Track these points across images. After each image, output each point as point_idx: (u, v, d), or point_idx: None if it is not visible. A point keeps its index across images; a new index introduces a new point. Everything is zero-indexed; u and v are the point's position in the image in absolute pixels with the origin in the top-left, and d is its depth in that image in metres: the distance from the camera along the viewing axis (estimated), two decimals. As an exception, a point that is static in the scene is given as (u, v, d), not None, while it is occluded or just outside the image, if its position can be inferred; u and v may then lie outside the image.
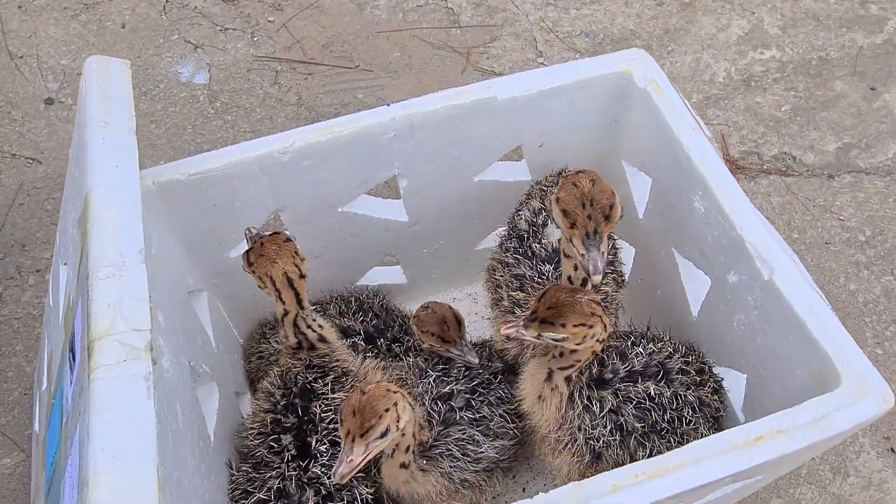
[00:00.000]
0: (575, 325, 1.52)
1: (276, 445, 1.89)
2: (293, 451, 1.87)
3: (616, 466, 1.87)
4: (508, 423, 2.07)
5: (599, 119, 2.25)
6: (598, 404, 1.83)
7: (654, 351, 1.95)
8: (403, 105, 2.04)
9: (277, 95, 3.76)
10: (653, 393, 1.84)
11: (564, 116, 2.20)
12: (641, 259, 2.48)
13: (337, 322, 2.42)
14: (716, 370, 2.12)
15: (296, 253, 1.81)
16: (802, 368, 1.68)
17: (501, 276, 2.10)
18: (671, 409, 1.87)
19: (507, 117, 2.15)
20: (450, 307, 2.20)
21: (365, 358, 2.20)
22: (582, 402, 1.81)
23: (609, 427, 1.84)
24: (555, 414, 1.84)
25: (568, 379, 1.80)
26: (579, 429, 1.84)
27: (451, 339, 2.13)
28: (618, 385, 1.85)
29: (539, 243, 2.06)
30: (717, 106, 3.61)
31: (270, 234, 1.84)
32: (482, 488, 2.06)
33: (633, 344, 1.97)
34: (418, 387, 2.09)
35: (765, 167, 3.38)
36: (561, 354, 1.76)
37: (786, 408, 1.62)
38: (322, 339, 1.99)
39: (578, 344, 1.56)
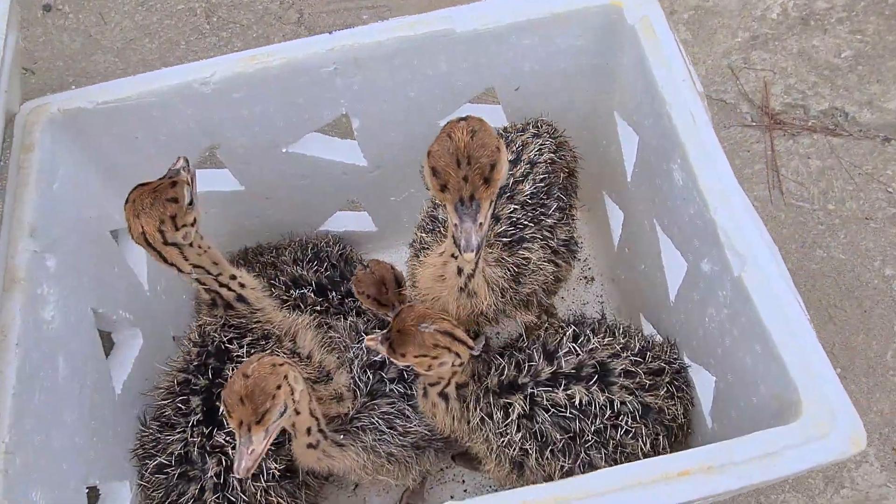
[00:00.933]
0: (415, 356, 1.44)
1: (183, 407, 1.76)
2: (199, 416, 1.74)
3: (546, 478, 1.68)
4: None
5: (586, 61, 1.91)
6: (501, 412, 1.64)
7: (595, 348, 1.70)
8: (345, 34, 1.76)
9: (277, 12, 3.48)
10: (580, 399, 1.61)
11: (541, 56, 1.87)
12: (629, 226, 2.18)
13: (289, 270, 2.25)
14: (690, 367, 1.85)
15: (172, 217, 1.53)
16: (766, 385, 1.39)
17: (422, 214, 1.86)
18: (602, 417, 1.64)
19: (470, 54, 1.84)
20: (392, 268, 1.98)
21: (301, 313, 2.03)
22: (479, 411, 1.63)
23: (522, 435, 1.63)
24: (449, 424, 1.66)
25: (443, 395, 1.62)
26: (486, 438, 1.65)
27: (388, 303, 1.93)
28: (532, 390, 1.63)
29: None
30: (764, 48, 3.12)
31: (166, 178, 1.60)
32: (408, 465, 1.90)
33: (572, 338, 1.72)
34: (349, 352, 1.91)
35: (809, 124, 2.92)
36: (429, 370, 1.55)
37: (750, 425, 1.36)
38: (241, 299, 1.80)
39: (426, 370, 1.48)
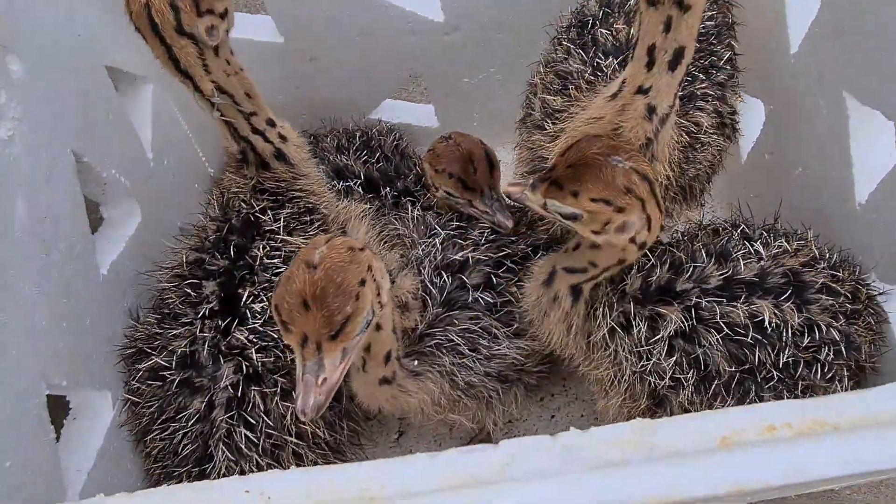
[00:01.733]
0: (592, 200, 1.03)
1: (193, 294, 1.27)
2: (214, 305, 1.25)
3: None
4: None
5: None
6: (645, 324, 1.18)
7: (783, 251, 1.22)
8: None
9: None
10: (768, 318, 1.14)
11: None
12: (777, 122, 1.68)
13: (332, 158, 1.76)
14: (883, 293, 1.35)
15: None
16: None
17: (541, 78, 1.37)
18: (797, 347, 1.16)
19: None
20: (481, 142, 1.49)
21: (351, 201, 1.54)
22: (609, 320, 1.19)
23: (676, 361, 1.16)
24: (560, 334, 1.23)
25: (575, 289, 1.19)
26: (614, 360, 1.20)
27: (476, 187, 1.44)
28: (697, 300, 1.16)
29: (609, 30, 1.30)
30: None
31: None
32: (491, 403, 1.40)
33: (743, 238, 1.25)
34: (418, 248, 1.42)
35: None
36: (576, 248, 1.16)
37: None
38: (281, 156, 1.33)
39: (597, 232, 1.06)
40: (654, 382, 1.18)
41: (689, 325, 1.16)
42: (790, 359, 1.14)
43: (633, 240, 1.09)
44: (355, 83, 1.85)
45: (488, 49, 1.79)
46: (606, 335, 1.20)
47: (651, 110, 1.07)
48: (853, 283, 1.28)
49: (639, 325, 1.18)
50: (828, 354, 1.16)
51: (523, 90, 1.62)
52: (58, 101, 1.25)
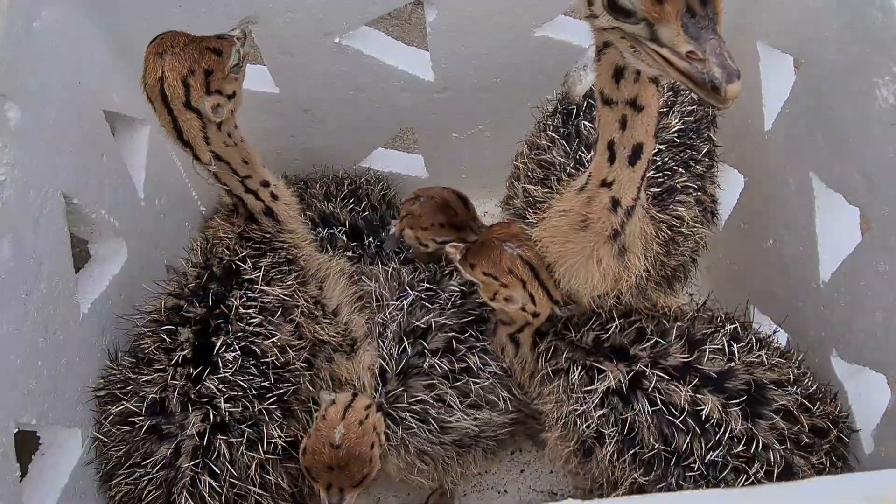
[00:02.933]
0: (483, 273, 1.28)
1: (167, 340, 1.31)
2: (187, 353, 1.29)
3: (611, 483, 1.27)
4: (502, 391, 1.41)
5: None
6: (583, 373, 1.27)
7: (758, 362, 1.27)
8: None
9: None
10: (708, 413, 1.19)
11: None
12: (752, 194, 1.73)
13: (319, 205, 1.82)
14: (835, 365, 1.39)
15: (207, 71, 1.16)
16: None
17: (524, 163, 1.41)
18: (728, 450, 1.20)
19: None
20: (446, 188, 1.58)
21: (333, 255, 1.59)
22: (551, 363, 1.31)
23: (605, 415, 1.22)
24: (518, 371, 1.38)
25: (513, 339, 1.37)
26: (558, 399, 1.29)
27: (464, 224, 1.54)
28: (645, 368, 1.22)
29: (591, 122, 1.36)
30: None
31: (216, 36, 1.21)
32: (448, 466, 1.43)
33: (730, 337, 1.30)
34: (385, 310, 1.45)
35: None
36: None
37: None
38: (270, 213, 1.40)
39: (490, 299, 1.30)
40: (582, 428, 1.23)
41: (625, 388, 1.21)
42: (719, 459, 1.17)
43: (524, 309, 1.29)
44: (347, 133, 1.91)
45: (477, 108, 1.85)
46: (550, 375, 1.30)
47: (615, 203, 1.10)
48: (828, 419, 1.29)
49: (576, 371, 1.26)
50: (758, 471, 1.18)
51: (510, 145, 1.67)
52: (53, 145, 1.30)
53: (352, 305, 1.53)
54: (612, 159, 1.05)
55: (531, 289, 1.27)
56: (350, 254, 1.76)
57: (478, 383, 1.37)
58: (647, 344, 1.25)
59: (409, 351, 1.37)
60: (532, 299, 1.28)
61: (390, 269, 1.58)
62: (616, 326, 1.27)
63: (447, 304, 1.42)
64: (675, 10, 0.77)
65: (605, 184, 1.09)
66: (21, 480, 1.14)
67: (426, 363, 1.36)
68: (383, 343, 1.40)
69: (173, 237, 1.78)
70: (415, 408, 1.36)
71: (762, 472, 1.17)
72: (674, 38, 0.78)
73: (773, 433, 1.19)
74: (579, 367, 1.27)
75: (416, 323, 1.39)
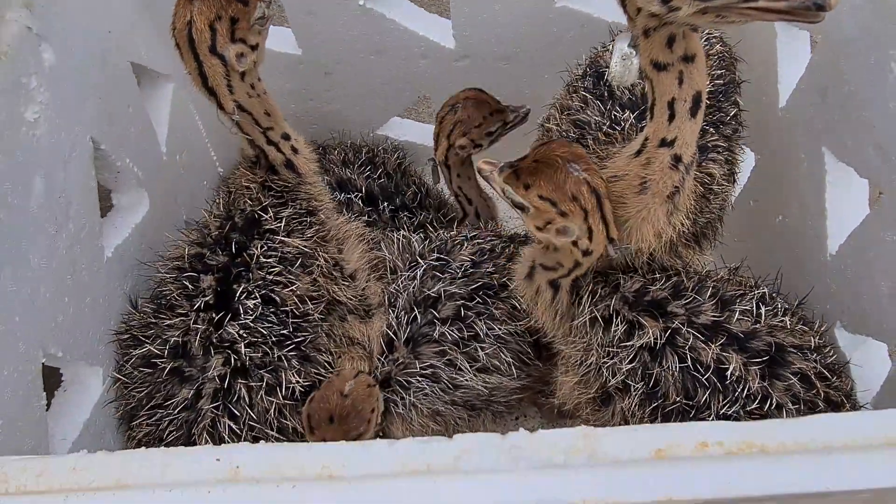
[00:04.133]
0: (540, 197, 1.11)
1: (190, 286, 1.34)
2: (209, 299, 1.32)
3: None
4: (506, 355, 1.44)
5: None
6: (624, 326, 1.23)
7: (781, 326, 1.28)
8: None
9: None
10: (732, 370, 1.20)
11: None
12: (763, 171, 1.76)
13: (337, 171, 1.85)
14: (839, 337, 1.42)
15: (233, 19, 1.19)
16: None
17: (556, 125, 1.43)
18: (741, 404, 1.21)
19: None
20: (468, 89, 1.66)
21: (351, 218, 1.61)
22: (592, 310, 1.25)
23: (633, 369, 1.22)
24: (549, 319, 1.30)
25: (553, 284, 1.27)
26: (586, 347, 1.26)
27: (502, 108, 1.65)
28: (680, 325, 1.22)
29: (629, 87, 1.38)
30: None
31: None
32: (458, 427, 1.46)
33: (758, 300, 1.30)
34: (398, 281, 1.48)
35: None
36: (547, 248, 1.23)
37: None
38: (290, 165, 1.42)
39: (539, 228, 1.15)
40: (607, 378, 1.24)
41: (660, 344, 1.22)
42: (732, 413, 1.19)
43: (575, 244, 1.15)
44: (366, 99, 1.94)
45: (496, 78, 1.87)
46: (587, 323, 1.25)
47: (677, 160, 1.11)
48: (842, 393, 1.29)
49: (618, 325, 1.23)
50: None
51: (525, 121, 1.71)
52: (83, 90, 1.33)
53: (368, 272, 1.56)
54: (672, 117, 1.07)
55: (592, 221, 1.12)
56: (366, 218, 1.79)
57: (485, 349, 1.39)
58: (684, 301, 1.25)
59: (420, 320, 1.40)
60: (590, 234, 1.14)
61: (401, 239, 1.59)
62: (657, 279, 1.27)
63: (458, 273, 1.43)
64: None
65: (666, 143, 1.11)
66: (47, 410, 1.18)
67: (437, 332, 1.39)
68: (394, 312, 1.43)
69: (192, 193, 1.81)
70: (426, 372, 1.39)
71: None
72: None
73: (788, 395, 1.21)
74: (622, 321, 1.24)
75: (428, 292, 1.42)
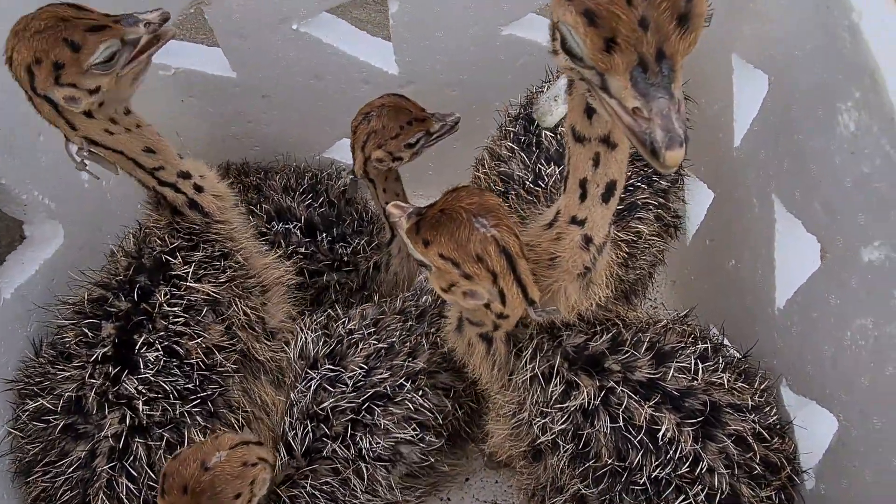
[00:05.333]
0: (440, 256, 0.99)
1: (89, 334, 1.25)
2: (108, 350, 1.23)
3: (555, 489, 1.22)
4: (392, 472, 1.35)
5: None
6: (563, 387, 1.16)
7: (718, 383, 1.21)
8: None
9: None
10: (664, 432, 1.13)
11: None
12: (719, 210, 1.68)
13: (276, 198, 1.77)
14: (784, 396, 1.35)
15: (56, 64, 1.03)
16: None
17: (484, 172, 1.36)
18: (674, 468, 1.15)
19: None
20: (383, 95, 1.51)
21: (279, 255, 1.52)
22: (534, 367, 1.16)
23: (565, 430, 1.15)
24: (486, 371, 1.21)
25: (485, 337, 1.17)
26: (520, 402, 1.19)
27: (424, 116, 1.49)
28: (615, 384, 1.14)
29: (554, 131, 1.30)
30: None
31: (107, 17, 1.08)
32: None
33: (698, 357, 1.23)
34: (295, 389, 1.37)
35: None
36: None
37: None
38: (195, 205, 1.30)
39: (444, 290, 1.03)
40: (537, 435, 1.18)
41: (593, 405, 1.15)
42: (663, 476, 1.13)
43: (488, 306, 1.05)
44: (308, 123, 1.85)
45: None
46: (528, 381, 1.17)
47: (588, 240, 1.05)
48: (783, 455, 1.24)
49: (556, 385, 1.15)
50: (699, 493, 1.13)
51: (477, 145, 1.62)
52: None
53: (288, 333, 1.47)
54: (583, 197, 1.00)
55: (504, 284, 1.01)
56: (303, 250, 1.71)
57: (368, 470, 1.31)
58: (621, 356, 1.18)
59: (315, 434, 1.32)
60: (502, 298, 1.03)
61: (293, 354, 1.44)
62: (599, 330, 1.19)
63: (348, 385, 1.34)
64: (624, 62, 0.71)
65: (577, 221, 1.03)
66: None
67: (328, 448, 1.31)
68: (290, 420, 1.34)
69: (121, 221, 1.72)
70: (324, 489, 1.31)
71: (703, 495, 1.13)
72: (621, 91, 0.72)
73: (721, 457, 1.15)
74: (561, 380, 1.16)
75: (317, 409, 1.33)
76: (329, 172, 1.89)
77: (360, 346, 1.37)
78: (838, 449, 1.21)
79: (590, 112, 0.89)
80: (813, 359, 1.27)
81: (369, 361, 1.36)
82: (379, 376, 1.34)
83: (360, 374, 1.34)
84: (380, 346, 1.37)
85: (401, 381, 1.34)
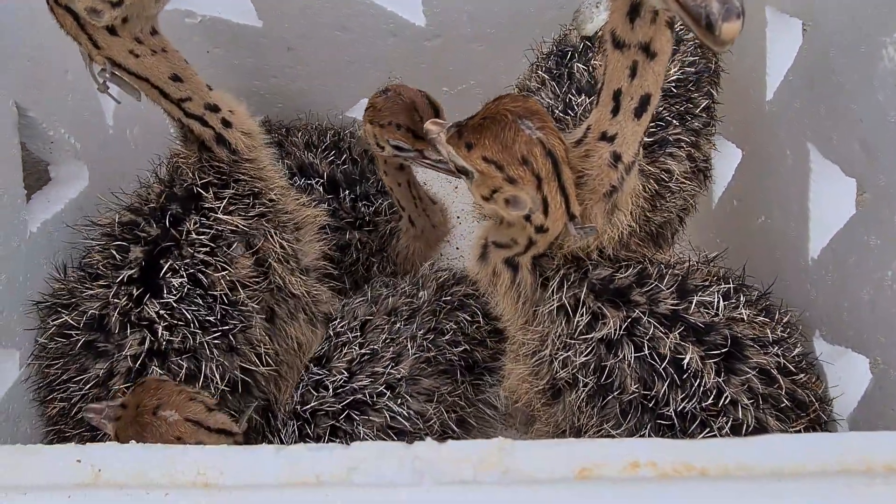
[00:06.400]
0: (483, 159, 0.95)
1: (117, 256, 1.24)
2: (134, 272, 1.22)
3: (574, 428, 1.19)
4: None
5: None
6: (588, 317, 1.13)
7: (739, 318, 1.18)
8: None
9: None
10: (688, 362, 1.10)
11: None
12: (747, 169, 1.66)
13: (298, 154, 1.76)
14: (818, 348, 1.32)
15: None
16: None
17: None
18: (698, 400, 1.12)
19: None
20: (420, 91, 1.44)
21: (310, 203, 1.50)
22: (560, 298, 1.12)
23: (586, 362, 1.12)
24: (508, 304, 1.16)
25: (510, 262, 1.13)
26: (542, 337, 1.15)
27: (424, 141, 1.37)
28: (641, 315, 1.12)
29: (586, 65, 1.28)
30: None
31: None
32: None
33: (721, 294, 1.20)
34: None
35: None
36: (502, 222, 1.10)
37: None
38: (222, 141, 1.28)
39: (485, 198, 1.00)
40: (557, 371, 1.15)
41: (618, 336, 1.12)
42: (689, 409, 1.10)
43: (528, 218, 1.01)
44: (332, 79, 1.84)
45: (468, 60, 1.78)
46: (554, 311, 1.14)
47: (616, 158, 1.02)
48: (812, 393, 1.20)
49: (582, 315, 1.12)
50: (723, 426, 1.11)
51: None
52: (5, 50, 1.23)
53: (321, 273, 1.46)
54: (615, 110, 0.98)
55: (547, 191, 0.97)
56: (326, 206, 1.70)
57: None
58: (646, 288, 1.15)
59: (297, 434, 1.33)
60: (545, 206, 0.99)
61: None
62: (624, 263, 1.17)
63: (329, 391, 1.34)
64: None
65: (606, 137, 1.01)
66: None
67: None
68: (281, 418, 1.36)
69: (142, 168, 1.71)
70: None
71: (727, 427, 1.10)
72: None
73: (744, 389, 1.12)
74: (587, 311, 1.13)
75: (300, 410, 1.34)
76: (351, 131, 1.87)
77: (345, 351, 1.37)
78: (875, 394, 1.19)
79: (633, 15, 0.87)
80: (850, 305, 1.24)
81: (352, 366, 1.36)
82: (359, 383, 1.33)
83: (340, 379, 1.34)
84: (362, 351, 1.37)
85: (381, 388, 1.33)
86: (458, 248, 2.05)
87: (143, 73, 1.15)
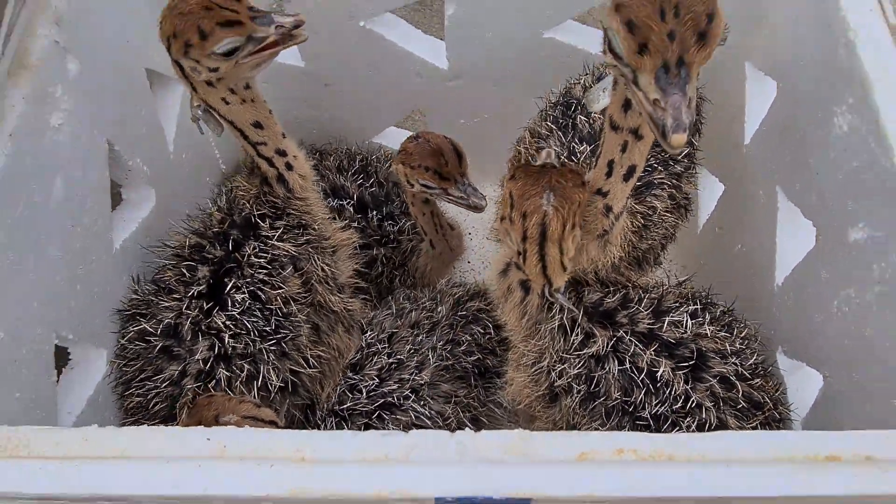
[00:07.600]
0: (510, 194, 1.18)
1: (187, 274, 1.46)
2: (203, 288, 1.44)
3: (569, 428, 1.42)
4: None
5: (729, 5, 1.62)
6: (581, 336, 1.35)
7: (703, 334, 1.39)
8: None
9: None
10: (661, 373, 1.33)
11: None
12: (728, 201, 1.89)
13: (331, 177, 1.96)
14: (780, 362, 1.56)
15: (187, 43, 1.19)
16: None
17: (525, 148, 1.57)
18: (668, 405, 1.35)
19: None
20: (446, 137, 1.66)
21: (347, 227, 1.73)
22: (560, 318, 1.35)
23: (578, 374, 1.35)
24: (514, 318, 1.39)
25: (524, 284, 1.34)
26: (540, 351, 1.38)
27: (449, 176, 1.62)
28: (623, 335, 1.35)
29: (588, 116, 1.51)
30: None
31: (244, 9, 1.23)
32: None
33: (690, 315, 1.41)
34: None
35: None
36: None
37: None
38: (282, 180, 1.49)
39: (502, 218, 1.22)
40: (555, 379, 1.38)
41: (605, 351, 1.35)
42: (662, 412, 1.33)
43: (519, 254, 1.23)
44: (363, 110, 2.06)
45: (485, 98, 2.00)
46: (554, 329, 1.36)
47: (608, 209, 1.25)
48: (765, 394, 1.41)
49: (577, 334, 1.35)
50: (690, 425, 1.33)
51: (512, 134, 1.82)
52: (102, 96, 1.45)
53: (352, 288, 1.68)
54: (609, 174, 1.20)
55: (528, 248, 1.17)
56: (355, 225, 1.92)
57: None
58: (629, 311, 1.37)
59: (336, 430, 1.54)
60: (523, 259, 1.20)
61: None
62: (611, 292, 1.39)
63: (363, 392, 1.58)
64: (651, 63, 0.91)
65: (601, 192, 1.24)
66: (56, 386, 1.31)
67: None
68: (321, 414, 1.58)
69: (195, 190, 1.94)
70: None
71: (694, 426, 1.33)
72: (647, 85, 0.92)
73: (708, 394, 1.34)
74: (581, 330, 1.35)
75: (338, 409, 1.57)
76: (377, 156, 2.10)
77: (375, 360, 1.61)
78: (824, 402, 1.42)
79: (626, 106, 1.10)
80: (806, 327, 1.47)
81: (381, 373, 1.59)
82: (388, 388, 1.57)
83: (372, 384, 1.57)
84: (391, 360, 1.60)
85: (407, 392, 1.56)
86: (469, 262, 2.29)
87: (230, 117, 1.33)
